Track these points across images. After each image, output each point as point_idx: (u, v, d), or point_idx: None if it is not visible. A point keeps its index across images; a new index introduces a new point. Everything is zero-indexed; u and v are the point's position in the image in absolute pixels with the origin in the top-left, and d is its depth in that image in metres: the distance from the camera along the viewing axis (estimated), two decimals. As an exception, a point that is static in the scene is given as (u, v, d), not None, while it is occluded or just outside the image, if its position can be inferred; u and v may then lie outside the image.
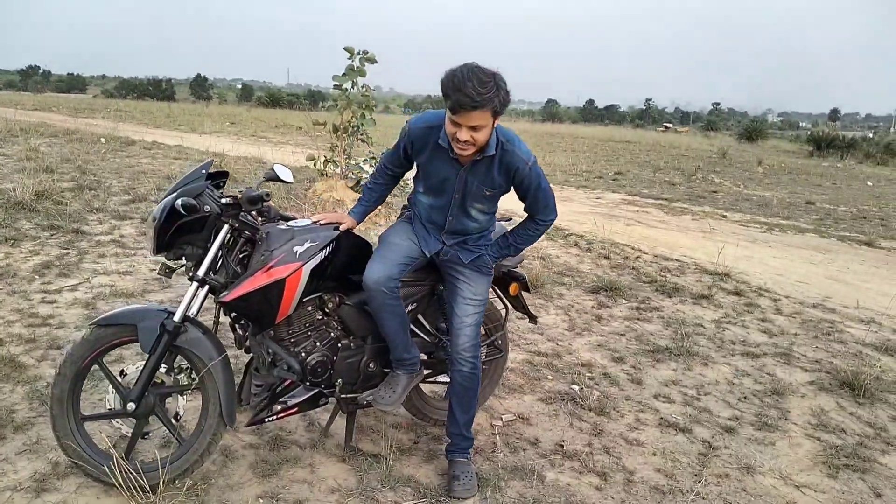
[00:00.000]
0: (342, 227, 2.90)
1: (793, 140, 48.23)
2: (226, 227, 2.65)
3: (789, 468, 3.36)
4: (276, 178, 2.82)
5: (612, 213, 11.53)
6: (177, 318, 2.61)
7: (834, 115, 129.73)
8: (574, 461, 3.25)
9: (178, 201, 2.52)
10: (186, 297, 2.64)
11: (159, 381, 2.69)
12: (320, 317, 2.91)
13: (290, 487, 2.85)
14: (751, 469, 3.31)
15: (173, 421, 2.73)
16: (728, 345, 5.09)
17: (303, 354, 2.85)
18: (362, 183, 8.54)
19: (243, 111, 39.49)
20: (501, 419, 3.62)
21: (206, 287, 2.67)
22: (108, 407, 2.70)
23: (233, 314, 2.77)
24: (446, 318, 3.20)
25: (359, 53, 8.26)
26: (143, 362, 2.67)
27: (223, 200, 2.66)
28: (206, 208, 2.60)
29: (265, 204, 2.73)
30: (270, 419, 2.87)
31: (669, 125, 71.11)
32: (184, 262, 2.72)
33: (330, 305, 2.92)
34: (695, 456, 3.40)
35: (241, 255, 2.72)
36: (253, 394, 2.89)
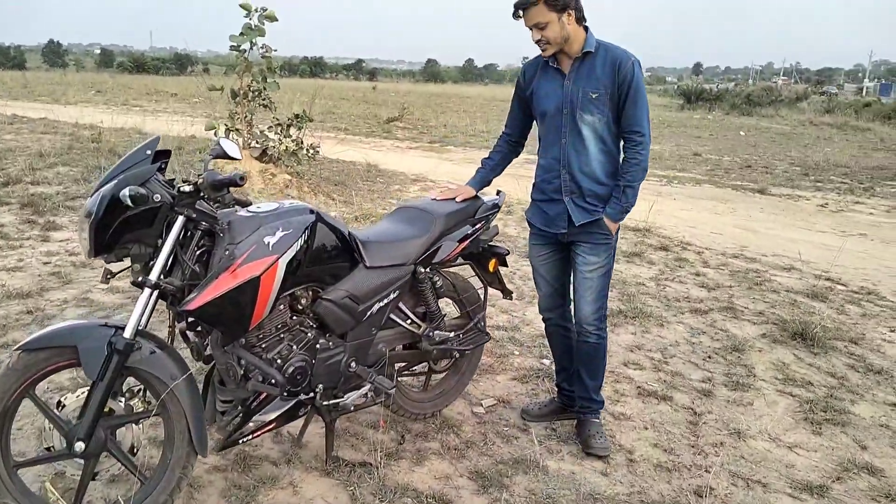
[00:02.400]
0: (459, 198, 2.97)
1: (662, 94, 50.23)
2: (181, 219, 2.18)
3: (775, 429, 3.31)
4: (224, 155, 2.35)
5: (518, 173, 11.44)
6: (127, 333, 2.14)
7: (697, 69, 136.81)
8: (570, 445, 3.05)
9: (125, 191, 2.03)
10: (138, 308, 2.16)
11: (108, 409, 2.21)
12: (292, 316, 2.51)
13: (275, 515, 2.47)
14: (741, 434, 3.24)
15: (130, 456, 2.27)
16: (674, 303, 5.07)
17: (279, 361, 2.44)
18: (269, 153, 7.94)
19: (107, 78, 36.46)
20: (482, 405, 3.36)
21: (157, 293, 2.20)
22: (46, 446, 2.20)
23: (194, 323, 2.32)
24: (426, 302, 2.91)
25: (257, 11, 7.58)
26: (86, 389, 2.19)
27: (183, 187, 2.19)
28: (157, 197, 2.13)
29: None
30: (245, 440, 2.47)
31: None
32: (128, 263, 2.24)
33: (303, 302, 2.52)
34: (685, 426, 3.29)
35: (198, 252, 2.26)
36: (219, 411, 2.47)
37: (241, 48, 7.73)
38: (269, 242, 2.26)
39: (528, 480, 2.75)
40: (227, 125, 7.89)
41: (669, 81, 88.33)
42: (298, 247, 2.33)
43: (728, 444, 3.14)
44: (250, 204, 2.43)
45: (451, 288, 3.05)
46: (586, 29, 2.78)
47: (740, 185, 11.56)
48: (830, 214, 9.55)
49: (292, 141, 8.18)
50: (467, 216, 2.96)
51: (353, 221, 6.75)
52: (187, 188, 2.18)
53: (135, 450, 2.29)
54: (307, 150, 8.29)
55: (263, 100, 8.10)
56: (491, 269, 3.14)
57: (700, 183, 11.65)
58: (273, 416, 2.49)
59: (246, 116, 8.08)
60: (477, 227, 2.98)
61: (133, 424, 2.27)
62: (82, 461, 2.18)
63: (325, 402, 2.62)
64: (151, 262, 2.19)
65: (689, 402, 3.53)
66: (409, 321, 2.90)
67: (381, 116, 19.85)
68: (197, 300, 2.14)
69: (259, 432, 2.49)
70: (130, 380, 2.27)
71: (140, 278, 2.17)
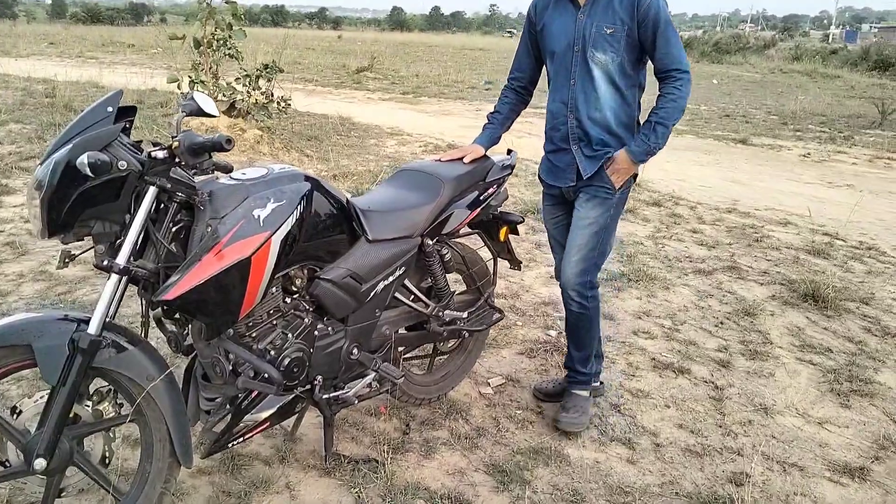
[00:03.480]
0: (467, 159, 2.64)
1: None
2: (152, 189, 1.81)
3: (802, 403, 3.10)
4: (199, 112, 1.97)
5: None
6: (93, 328, 1.79)
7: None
8: (590, 429, 2.79)
9: (82, 157, 1.65)
10: (104, 297, 1.81)
11: (73, 416, 1.87)
12: (286, 300, 2.17)
13: (272, 525, 2.18)
14: (768, 410, 3.02)
15: (102, 468, 1.94)
16: (676, 263, 4.82)
17: (272, 353, 2.11)
18: (238, 106, 7.45)
19: (60, 30, 34.60)
20: (490, 385, 3.08)
21: (126, 278, 1.85)
22: (0, 461, 1.86)
23: (172, 312, 1.98)
24: (433, 278, 2.60)
25: (216, -48, 7.00)
26: (45, 394, 1.85)
27: (155, 152, 1.81)
28: (122, 164, 1.76)
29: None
30: (235, 443, 2.15)
31: (514, 31, 71.06)
32: (90, 244, 1.87)
33: (298, 283, 2.19)
34: (708, 402, 3.05)
35: (174, 228, 1.90)
36: (204, 410, 2.14)
37: (203, -7, 7.17)
38: (259, 217, 1.90)
39: (551, 473, 2.49)
40: (190, 77, 7.35)
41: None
42: (293, 220, 1.98)
43: (756, 423, 2.92)
44: (231, 169, 2.06)
45: (460, 261, 2.73)
46: None
47: (721, 136, 11.34)
48: (814, 164, 9.39)
49: (261, 94, 7.68)
50: (477, 179, 2.63)
51: (332, 180, 6.35)
52: (160, 153, 1.81)
53: (107, 461, 1.96)
54: (278, 102, 7.80)
55: (229, 49, 7.55)
56: (501, 238, 2.82)
57: (682, 134, 11.36)
58: (266, 414, 2.17)
59: (211, 67, 7.54)
60: (488, 191, 2.65)
61: (105, 433, 1.94)
62: (44, 478, 1.85)
63: (324, 396, 2.31)
64: (118, 242, 1.83)
65: (708, 374, 3.30)
66: (415, 300, 2.59)
67: (350, 67, 19.11)
68: (176, 288, 1.79)
69: (251, 433, 2.18)
70: (98, 380, 1.93)
71: (105, 262, 1.81)
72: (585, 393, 2.83)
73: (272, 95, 7.80)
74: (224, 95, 7.55)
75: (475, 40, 49.07)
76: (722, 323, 3.88)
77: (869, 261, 5.15)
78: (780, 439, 2.81)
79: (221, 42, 7.48)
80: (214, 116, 2.02)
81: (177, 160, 1.82)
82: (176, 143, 1.81)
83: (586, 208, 2.62)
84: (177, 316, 2.05)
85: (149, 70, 14.37)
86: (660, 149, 2.53)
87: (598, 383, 3.02)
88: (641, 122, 2.59)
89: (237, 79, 7.69)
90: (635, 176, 2.66)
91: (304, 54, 23.60)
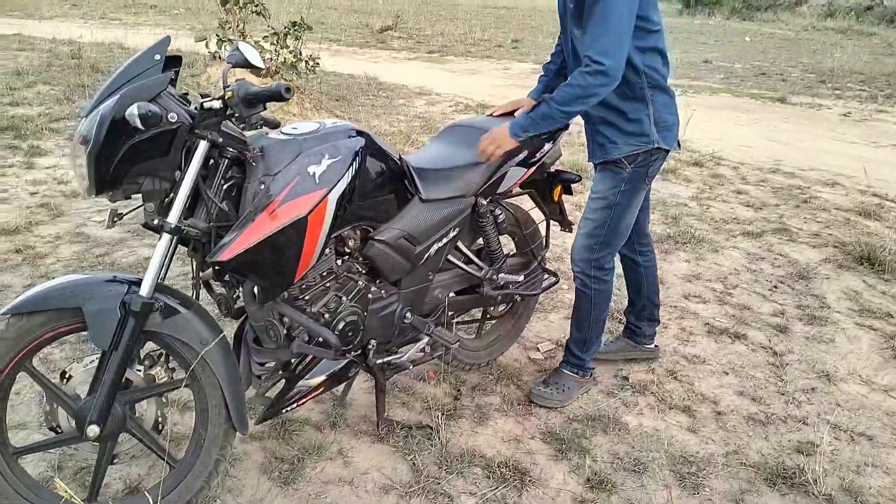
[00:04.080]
0: (520, 113, 2.34)
1: (659, -1, 48.45)
2: (203, 144, 1.71)
3: (865, 369, 2.97)
4: (245, 63, 1.85)
5: (526, 84, 10.80)
6: (145, 290, 1.71)
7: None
8: (647, 396, 2.70)
9: (132, 108, 1.55)
10: (155, 257, 1.72)
11: (124, 381, 1.80)
12: (339, 262, 2.07)
13: (327, 494, 2.11)
14: (830, 377, 2.89)
15: (155, 434, 1.88)
16: (723, 225, 4.66)
17: (326, 316, 2.03)
18: (266, 66, 7.29)
19: (81, -10, 34.48)
20: (539, 349, 2.99)
21: (177, 238, 1.76)
22: (50, 426, 1.81)
23: (225, 275, 1.89)
24: (487, 240, 2.48)
25: None
26: (95, 358, 1.78)
27: (208, 103, 1.71)
28: (172, 117, 1.65)
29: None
30: (289, 409, 2.08)
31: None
32: (137, 203, 1.78)
33: (351, 244, 2.09)
34: (767, 369, 2.94)
35: (225, 186, 1.80)
36: (256, 375, 2.07)
37: (228, -53, 6.99)
38: (314, 173, 1.80)
39: (610, 441, 2.41)
40: (217, 35, 7.21)
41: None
42: (349, 178, 1.87)
43: (820, 390, 2.80)
44: (279, 125, 1.96)
45: (514, 222, 2.61)
46: None
47: (758, 94, 10.99)
48: (855, 124, 9.07)
49: (290, 52, 7.52)
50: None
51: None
52: (214, 104, 1.70)
53: (160, 427, 1.90)
54: (306, 62, 7.64)
55: (256, 6, 7.39)
56: (555, 198, 2.69)
57: (717, 92, 11.05)
58: (320, 379, 2.10)
59: (238, 25, 7.39)
60: (543, 148, 2.52)
61: (157, 398, 1.87)
62: (97, 444, 1.80)
63: (378, 360, 2.23)
64: (168, 200, 1.74)
65: (765, 340, 3.17)
66: (468, 263, 2.48)
67: (373, 26, 18.80)
68: (231, 248, 1.70)
69: (304, 399, 2.11)
70: (150, 344, 1.86)
71: (156, 221, 1.72)
72: (574, 375, 2.66)
73: (300, 54, 7.64)
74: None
75: (498, -1, 48.08)
76: (776, 287, 3.74)
77: (923, 222, 4.95)
78: (845, 407, 2.70)
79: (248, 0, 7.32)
80: (261, 68, 1.91)
81: (229, 112, 1.71)
82: (230, 94, 1.70)
83: (596, 181, 2.47)
84: (227, 278, 1.97)
85: (172, 31, 14.23)
86: (536, 129, 2.23)
87: (653, 346, 2.92)
88: (664, 90, 2.35)
89: (265, 37, 7.51)
90: (649, 154, 2.36)
91: (326, 14, 23.27)
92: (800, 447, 2.43)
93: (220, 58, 7.56)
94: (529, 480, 2.20)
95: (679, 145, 2.50)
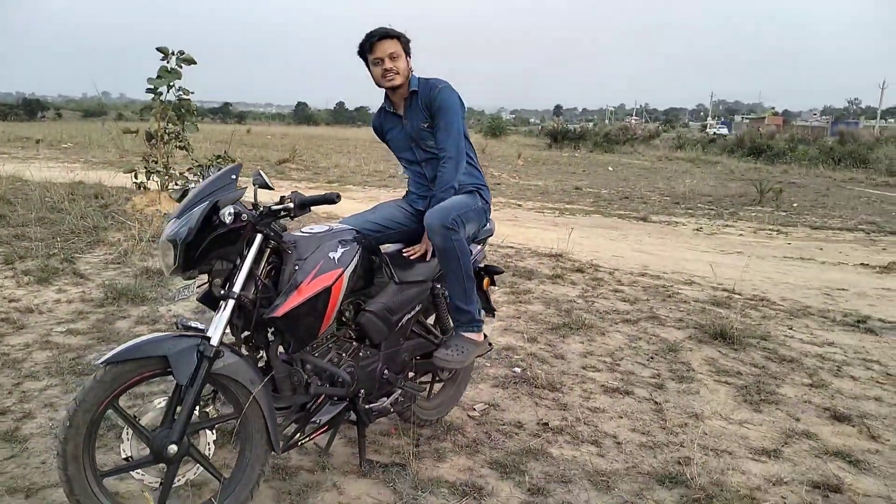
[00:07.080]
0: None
1: (528, 134, 52.84)
2: (259, 236, 2.41)
3: (724, 410, 3.87)
4: (264, 185, 2.61)
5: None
6: (215, 341, 2.31)
7: (557, 110, 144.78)
8: (564, 435, 3.44)
9: (228, 209, 2.25)
10: (222, 318, 2.34)
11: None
12: (338, 328, 2.77)
13: (331, 512, 2.68)
14: (699, 416, 3.76)
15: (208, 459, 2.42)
16: (606, 315, 5.63)
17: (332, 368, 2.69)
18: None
19: (-46, 126, 33.81)
20: (476, 410, 3.69)
21: (235, 304, 2.39)
22: (125, 455, 2.32)
23: (261, 333, 2.53)
24: (439, 315, 3.23)
25: (174, 54, 7.65)
26: (163, 400, 2.34)
27: (272, 206, 2.42)
28: (244, 217, 2.35)
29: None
30: (304, 441, 2.68)
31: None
32: (200, 279, 2.43)
33: (346, 315, 2.79)
34: (651, 413, 3.77)
35: (268, 268, 2.49)
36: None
37: (157, 91, 7.76)
38: (334, 257, 2.53)
39: (541, 465, 3.11)
40: (145, 167, 7.83)
41: (532, 123, 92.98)
42: (357, 261, 2.61)
43: (691, 425, 3.65)
44: (285, 228, 2.68)
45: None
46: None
47: (624, 214, 12.62)
48: (706, 237, 10.69)
49: (213, 182, 8.19)
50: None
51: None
52: (281, 207, 2.41)
53: (210, 452, 2.44)
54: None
55: (180, 142, 8.11)
56: (485, 287, 3.50)
57: (589, 213, 12.60)
58: (327, 417, 2.71)
59: (163, 158, 8.04)
60: (479, 248, 3.35)
61: (208, 430, 2.43)
62: (164, 467, 2.31)
63: (366, 406, 2.87)
64: (229, 276, 2.38)
65: (647, 394, 4.03)
66: (427, 332, 3.21)
67: (269, 158, 19.78)
68: (282, 307, 2.38)
69: (316, 434, 2.71)
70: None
71: (222, 291, 2.36)
72: (471, 335, 3.04)
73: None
74: (176, 184, 8.04)
75: (383, 133, 50.70)
76: (652, 358, 4.66)
77: (763, 309, 6.13)
78: (710, 435, 3.55)
79: (173, 136, 8.04)
80: (272, 189, 2.65)
81: (283, 214, 2.42)
82: (290, 201, 2.43)
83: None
84: (269, 335, 2.57)
85: (68, 164, 14.53)
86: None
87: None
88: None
89: (189, 168, 8.21)
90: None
91: (216, 147, 24.08)
92: (680, 460, 3.22)
93: (145, 188, 8.12)
94: (485, 493, 2.86)
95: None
